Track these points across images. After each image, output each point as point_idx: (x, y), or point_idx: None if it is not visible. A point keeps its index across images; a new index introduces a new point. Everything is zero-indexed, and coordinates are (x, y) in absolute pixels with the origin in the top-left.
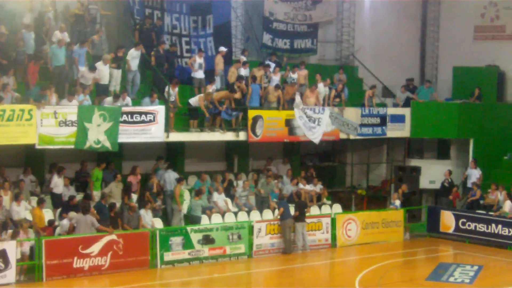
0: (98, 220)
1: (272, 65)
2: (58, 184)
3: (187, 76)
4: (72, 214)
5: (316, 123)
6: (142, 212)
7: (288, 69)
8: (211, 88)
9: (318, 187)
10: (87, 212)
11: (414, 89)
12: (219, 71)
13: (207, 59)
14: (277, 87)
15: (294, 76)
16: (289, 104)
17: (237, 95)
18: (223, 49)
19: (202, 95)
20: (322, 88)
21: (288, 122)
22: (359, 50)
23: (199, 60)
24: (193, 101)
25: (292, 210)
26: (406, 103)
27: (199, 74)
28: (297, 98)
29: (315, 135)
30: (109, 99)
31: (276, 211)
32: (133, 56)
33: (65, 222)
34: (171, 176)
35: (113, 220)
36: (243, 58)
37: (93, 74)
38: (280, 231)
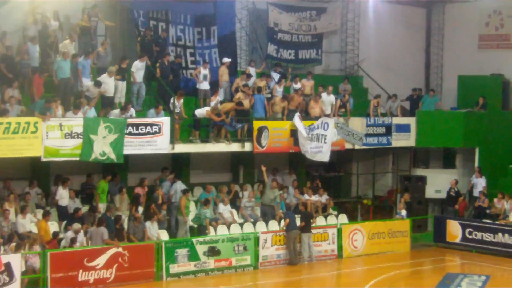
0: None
1: (277, 76)
2: (63, 196)
3: (192, 87)
4: (76, 226)
5: (322, 141)
6: (148, 224)
7: (289, 78)
8: (214, 100)
9: (323, 198)
10: (100, 224)
11: (418, 99)
12: (224, 82)
13: (212, 70)
14: (284, 98)
15: (297, 86)
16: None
17: (245, 105)
18: (226, 60)
19: (208, 109)
20: (325, 97)
21: (293, 133)
22: (364, 60)
23: (204, 71)
24: (199, 113)
25: (298, 221)
26: (411, 112)
27: (204, 86)
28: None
29: (324, 154)
30: (116, 111)
31: (282, 221)
32: (138, 68)
33: (70, 234)
34: (176, 187)
35: (119, 233)
36: (250, 69)
37: (98, 89)
38: (286, 242)
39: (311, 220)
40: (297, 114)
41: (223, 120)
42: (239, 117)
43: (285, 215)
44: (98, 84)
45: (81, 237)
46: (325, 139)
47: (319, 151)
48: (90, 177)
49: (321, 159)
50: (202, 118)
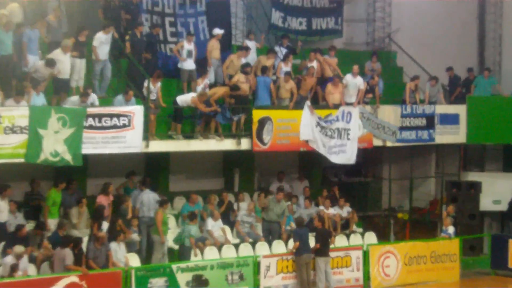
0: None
1: (283, 51)
2: (1, 209)
3: (172, 67)
4: (18, 248)
5: (343, 137)
6: (113, 245)
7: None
8: (202, 83)
9: (345, 210)
10: (65, 245)
11: (470, 83)
12: (214, 60)
13: (198, 45)
14: (287, 74)
15: (313, 64)
16: (312, 102)
17: (244, 91)
18: (218, 31)
19: (195, 95)
20: (350, 79)
21: None
22: (397, 31)
23: (187, 46)
24: (182, 100)
25: (312, 241)
26: (462, 99)
27: (189, 65)
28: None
29: (348, 155)
30: (73, 98)
31: (291, 243)
32: (101, 42)
33: (9, 259)
34: (149, 197)
35: (77, 258)
36: (248, 43)
37: (51, 69)
38: (295, 268)
39: (329, 240)
40: (307, 104)
41: (214, 110)
42: (236, 105)
43: (294, 234)
44: (50, 63)
45: (24, 263)
46: (348, 134)
47: (340, 150)
48: (35, 184)
49: (346, 162)
50: (186, 107)
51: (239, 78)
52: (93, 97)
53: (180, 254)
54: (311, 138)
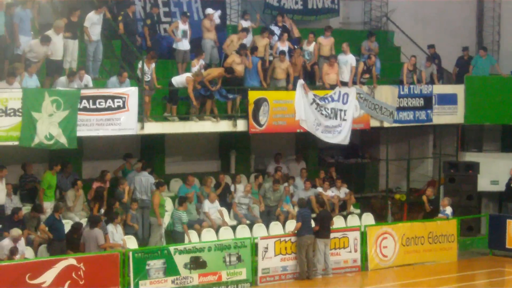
0: (52, 239)
1: (278, 31)
2: None
3: (166, 47)
4: (15, 231)
5: (339, 117)
6: (110, 227)
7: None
8: (197, 64)
9: (342, 192)
10: (94, 225)
11: (468, 62)
12: (208, 40)
13: (193, 25)
14: (282, 53)
15: (310, 48)
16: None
17: (238, 73)
18: (211, 11)
19: (190, 75)
20: (341, 57)
21: None
22: (395, 10)
23: (182, 26)
24: (178, 81)
25: (312, 223)
26: (459, 79)
27: (183, 45)
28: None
29: (343, 135)
30: (62, 79)
31: (289, 224)
32: (93, 22)
33: (7, 242)
34: (143, 180)
35: (73, 242)
36: (244, 24)
37: (46, 48)
38: (294, 249)
39: (330, 222)
40: (300, 83)
41: (209, 90)
42: (230, 86)
43: (298, 214)
44: (46, 39)
45: (21, 246)
46: (344, 115)
47: (336, 131)
48: (28, 166)
49: (340, 142)
50: (181, 88)
51: (234, 59)
52: (87, 79)
53: (173, 239)
54: (303, 118)
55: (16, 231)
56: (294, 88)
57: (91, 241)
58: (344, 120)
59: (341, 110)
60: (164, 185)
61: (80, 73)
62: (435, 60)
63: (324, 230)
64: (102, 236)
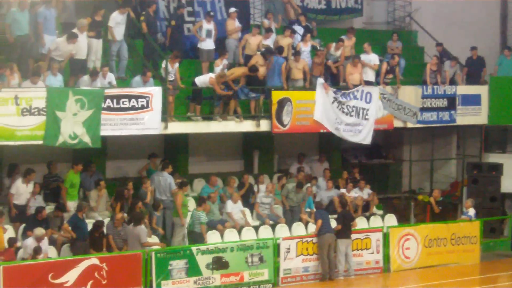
0: (75, 239)
1: (300, 30)
2: (21, 191)
3: (190, 47)
4: (38, 231)
5: (360, 116)
6: (143, 228)
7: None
8: (221, 63)
9: (365, 192)
10: (138, 223)
11: (480, 63)
12: (232, 40)
13: (217, 25)
14: (297, 54)
15: (338, 54)
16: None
17: (260, 75)
18: (233, 10)
19: (213, 76)
20: (363, 57)
21: None
22: (418, 10)
23: (207, 25)
24: (201, 81)
25: (333, 223)
26: (470, 79)
27: (208, 45)
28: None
29: (363, 135)
30: (85, 77)
31: (312, 225)
32: (117, 22)
33: (30, 242)
34: (164, 180)
35: (96, 242)
36: (267, 23)
37: (72, 46)
38: (316, 250)
39: (351, 223)
40: (320, 82)
41: (228, 93)
42: (253, 86)
43: (316, 215)
44: (72, 36)
45: (44, 245)
46: (366, 114)
47: (357, 129)
48: (53, 166)
49: (360, 141)
50: (205, 88)
51: (258, 60)
52: (111, 77)
53: (192, 239)
54: (320, 118)
55: (39, 231)
56: (311, 86)
57: (134, 239)
58: (366, 119)
59: (363, 109)
60: (187, 185)
61: (104, 71)
62: (443, 58)
63: (345, 230)
64: (145, 234)
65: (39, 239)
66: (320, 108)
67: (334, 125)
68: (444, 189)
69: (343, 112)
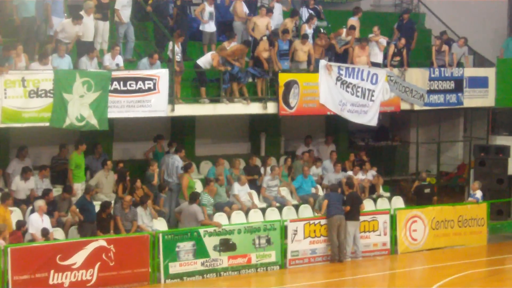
0: (83, 221)
1: (307, 13)
2: (20, 188)
3: (196, 29)
4: (37, 202)
5: (366, 97)
6: (139, 210)
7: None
8: (229, 46)
9: (370, 174)
10: (193, 201)
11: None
12: (239, 23)
13: (222, 8)
14: (304, 37)
15: (348, 39)
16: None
17: (264, 54)
18: None
19: (214, 52)
20: (373, 38)
21: None
22: None
23: (209, 8)
24: (203, 61)
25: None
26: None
27: (210, 27)
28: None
29: (369, 117)
30: (83, 58)
31: (317, 204)
32: (124, 4)
33: (35, 217)
34: (172, 162)
35: (104, 223)
36: (276, 5)
37: (78, 27)
38: (324, 232)
39: (360, 206)
40: (323, 63)
41: (234, 66)
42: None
43: (325, 195)
44: (77, 17)
45: (46, 221)
46: (372, 96)
47: (362, 111)
48: (65, 148)
49: (366, 123)
50: (209, 68)
51: (264, 46)
52: (119, 59)
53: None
54: (326, 101)
55: (38, 202)
56: (315, 70)
57: (190, 217)
58: (372, 100)
59: (369, 90)
60: (192, 167)
61: (115, 50)
62: (450, 42)
63: (354, 212)
64: (201, 212)
65: (41, 211)
66: (324, 91)
67: (339, 107)
68: (450, 171)
69: (347, 91)
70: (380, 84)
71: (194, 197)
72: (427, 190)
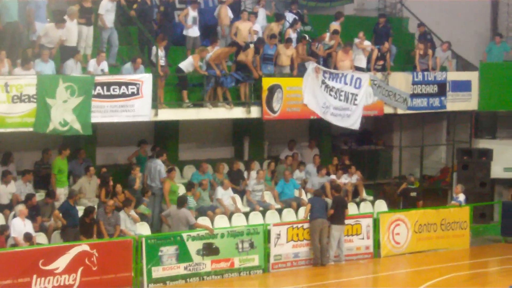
0: (66, 225)
1: (291, 17)
2: (1, 193)
3: (180, 34)
4: (18, 207)
5: (349, 101)
6: (122, 214)
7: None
8: (212, 51)
9: (354, 178)
10: (181, 205)
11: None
12: (225, 28)
13: (207, 12)
14: (288, 41)
15: (331, 43)
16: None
17: (246, 56)
18: None
19: (196, 54)
20: (359, 44)
21: None
22: None
23: (192, 13)
24: (185, 64)
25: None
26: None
27: (193, 32)
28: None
29: (352, 120)
30: (69, 62)
31: (302, 210)
32: (107, 9)
33: (18, 221)
34: (154, 167)
35: (87, 228)
36: (259, 10)
37: (61, 31)
38: (307, 236)
39: (345, 210)
40: (312, 66)
41: (217, 70)
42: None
43: (309, 200)
44: (60, 21)
45: (28, 225)
46: (355, 100)
47: (345, 114)
48: (47, 153)
49: (349, 126)
50: (191, 72)
51: (252, 53)
52: (104, 64)
53: None
54: (309, 101)
55: (18, 207)
56: (299, 74)
57: (180, 221)
58: (355, 104)
59: (352, 94)
60: (173, 171)
61: (101, 56)
62: (432, 45)
63: (339, 216)
64: (192, 216)
65: (22, 215)
66: (308, 93)
67: (323, 109)
68: (434, 175)
69: (330, 95)
70: (363, 88)
71: (182, 201)
72: (413, 194)
